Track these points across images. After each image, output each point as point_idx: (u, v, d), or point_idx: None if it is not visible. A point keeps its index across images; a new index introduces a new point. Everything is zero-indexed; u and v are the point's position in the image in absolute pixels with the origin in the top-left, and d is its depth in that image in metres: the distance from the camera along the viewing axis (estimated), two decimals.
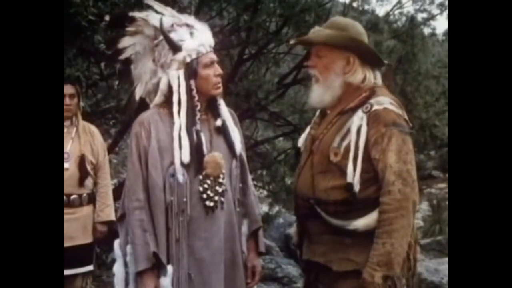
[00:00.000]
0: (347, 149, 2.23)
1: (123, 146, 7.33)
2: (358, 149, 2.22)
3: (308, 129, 2.52)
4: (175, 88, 2.33)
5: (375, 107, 2.25)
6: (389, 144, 2.20)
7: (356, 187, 2.21)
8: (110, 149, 5.66)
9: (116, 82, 5.41)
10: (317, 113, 2.53)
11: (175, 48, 2.34)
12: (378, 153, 2.20)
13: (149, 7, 2.46)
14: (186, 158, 2.29)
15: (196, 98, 2.35)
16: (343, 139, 2.26)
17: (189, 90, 2.34)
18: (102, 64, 5.01)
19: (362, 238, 2.22)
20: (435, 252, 7.54)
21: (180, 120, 2.31)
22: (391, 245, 2.14)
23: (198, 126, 2.34)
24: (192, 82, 2.34)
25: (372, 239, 2.20)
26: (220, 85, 2.41)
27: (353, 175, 2.21)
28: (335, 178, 2.25)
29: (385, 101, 2.28)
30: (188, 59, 2.34)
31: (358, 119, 2.25)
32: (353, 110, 2.29)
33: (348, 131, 2.25)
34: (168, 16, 2.41)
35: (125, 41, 2.45)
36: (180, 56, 2.34)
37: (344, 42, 2.33)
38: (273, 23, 5.78)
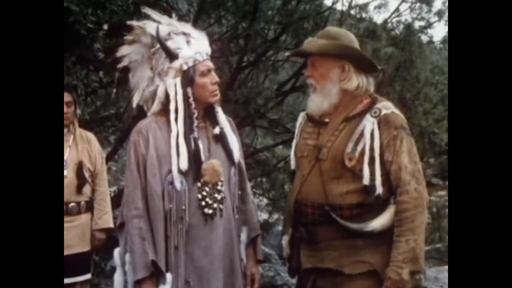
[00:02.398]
0: (362, 153, 2.30)
1: (122, 154, 7.31)
2: (373, 152, 2.29)
3: (298, 140, 2.54)
4: (172, 96, 2.34)
5: (384, 111, 2.33)
6: (401, 146, 2.29)
7: (379, 189, 2.29)
8: (110, 157, 5.65)
9: (115, 90, 5.42)
10: (301, 122, 2.56)
11: (171, 56, 2.35)
12: (391, 155, 2.29)
13: (147, 16, 2.47)
14: (184, 165, 2.29)
15: (193, 105, 2.35)
16: (356, 144, 2.31)
17: (186, 98, 2.34)
18: (101, 72, 5.02)
19: (374, 239, 2.29)
20: (434, 260, 7.51)
21: (177, 127, 2.31)
22: (415, 241, 2.24)
23: (196, 134, 2.35)
24: (189, 90, 2.35)
25: (382, 239, 2.28)
26: (217, 92, 2.41)
27: (370, 178, 2.28)
28: (349, 183, 2.31)
29: (391, 106, 2.37)
30: (185, 67, 2.35)
31: (370, 124, 2.32)
32: (360, 115, 2.35)
33: (361, 136, 2.32)
34: (165, 25, 2.42)
35: (123, 50, 2.46)
36: (176, 64, 2.35)
37: (338, 51, 2.39)
38: (272, 30, 5.78)
